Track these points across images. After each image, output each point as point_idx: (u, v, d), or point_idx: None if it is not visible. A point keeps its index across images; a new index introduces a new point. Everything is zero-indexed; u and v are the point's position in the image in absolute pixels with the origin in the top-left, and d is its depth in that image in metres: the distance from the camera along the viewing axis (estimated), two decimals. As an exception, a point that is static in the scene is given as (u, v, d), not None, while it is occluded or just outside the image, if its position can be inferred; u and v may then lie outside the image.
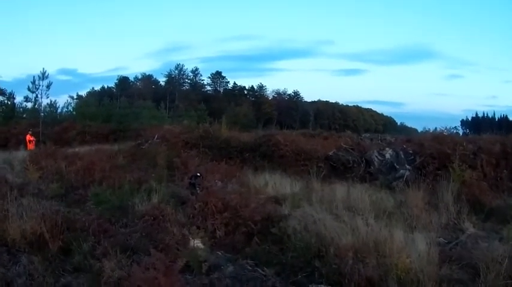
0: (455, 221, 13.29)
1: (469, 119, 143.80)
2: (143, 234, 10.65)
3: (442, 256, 9.08)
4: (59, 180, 17.72)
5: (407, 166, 20.91)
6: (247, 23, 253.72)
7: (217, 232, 10.86)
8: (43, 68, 52.70)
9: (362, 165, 22.05)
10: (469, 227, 12.61)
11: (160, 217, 11.58)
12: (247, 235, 10.88)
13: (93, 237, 10.15)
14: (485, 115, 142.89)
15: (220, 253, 9.85)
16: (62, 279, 8.32)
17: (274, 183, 17.90)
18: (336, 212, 12.53)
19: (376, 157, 22.13)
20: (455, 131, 26.40)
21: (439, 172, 19.23)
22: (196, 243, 9.95)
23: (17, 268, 8.49)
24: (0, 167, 21.20)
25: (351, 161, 22.55)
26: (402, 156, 21.74)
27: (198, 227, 10.86)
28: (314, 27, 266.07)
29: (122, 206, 13.36)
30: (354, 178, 20.70)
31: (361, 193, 14.85)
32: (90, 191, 15.22)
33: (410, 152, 21.96)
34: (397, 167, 21.09)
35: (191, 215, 11.67)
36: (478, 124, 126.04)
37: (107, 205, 13.49)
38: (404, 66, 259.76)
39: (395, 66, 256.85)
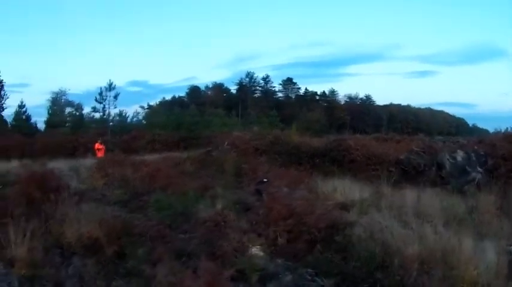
0: (528, 228, 12.53)
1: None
2: (202, 240, 10.49)
3: (512, 267, 8.64)
4: (123, 186, 17.67)
5: (479, 169, 20.31)
6: (317, 30, 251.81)
7: (279, 239, 10.52)
8: (109, 80, 53.65)
9: (433, 168, 21.52)
10: (543, 235, 11.96)
11: (222, 223, 11.38)
12: (310, 242, 10.47)
13: (150, 242, 10.12)
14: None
15: (280, 261, 9.58)
16: (113, 283, 8.33)
17: (343, 188, 17.18)
18: (404, 218, 12.07)
19: (448, 159, 21.58)
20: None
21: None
22: (255, 251, 9.74)
23: (69, 269, 8.52)
24: (65, 174, 20.74)
25: (422, 165, 22.06)
26: (474, 158, 21.15)
27: (259, 234, 10.64)
28: (383, 31, 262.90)
29: (185, 213, 13.21)
30: (425, 182, 20.13)
31: (431, 198, 14.41)
32: (152, 198, 15.12)
33: (482, 153, 21.37)
34: (469, 170, 20.51)
35: (254, 222, 11.42)
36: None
37: (169, 211, 13.33)
38: (474, 66, 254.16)
39: (465, 66, 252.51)
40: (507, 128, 31.30)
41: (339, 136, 39.56)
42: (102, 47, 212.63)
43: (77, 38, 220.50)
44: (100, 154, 35.23)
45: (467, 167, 20.71)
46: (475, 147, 22.78)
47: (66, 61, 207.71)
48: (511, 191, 15.33)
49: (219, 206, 13.23)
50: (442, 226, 10.42)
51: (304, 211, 11.31)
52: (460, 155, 21.54)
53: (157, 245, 9.85)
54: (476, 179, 19.33)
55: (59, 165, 24.97)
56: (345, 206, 14.49)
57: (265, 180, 16.65)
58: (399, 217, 12.51)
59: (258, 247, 9.99)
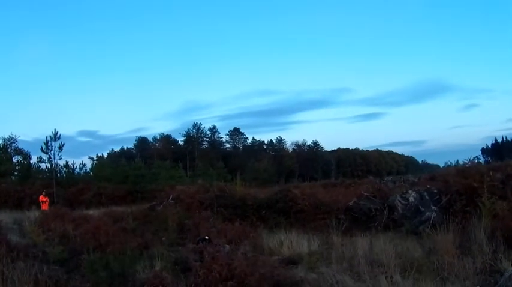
0: (492, 262, 11.91)
1: (489, 146, 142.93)
2: None
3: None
4: (64, 243, 17.32)
5: (433, 207, 19.60)
6: (263, 79, 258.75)
7: (221, 305, 9.53)
8: (54, 129, 52.13)
9: (385, 212, 20.67)
10: (508, 267, 11.18)
11: (160, 287, 10.30)
12: (254, 309, 9.51)
13: None
14: (505, 139, 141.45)
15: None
16: None
17: (291, 242, 16.48)
18: (357, 270, 11.34)
19: (399, 201, 20.82)
20: (476, 161, 25.00)
21: (468, 208, 17.91)
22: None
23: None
24: (9, 227, 21.03)
25: (373, 209, 21.22)
26: (427, 197, 20.47)
27: None
28: (329, 76, 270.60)
29: (122, 274, 12.42)
30: (378, 227, 19.55)
31: (384, 245, 13.51)
32: (86, 259, 14.22)
33: (435, 191, 20.69)
34: (422, 209, 19.79)
35: (193, 285, 10.38)
36: (498, 150, 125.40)
37: (106, 273, 12.50)
38: (420, 104, 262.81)
39: (411, 105, 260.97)
40: (457, 161, 31.02)
41: (285, 186, 39.07)
42: (54, 95, 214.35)
43: (29, 84, 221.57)
44: (44, 207, 35.02)
45: (420, 206, 20.01)
46: (428, 185, 22.15)
47: (17, 108, 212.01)
48: (469, 227, 14.63)
49: (157, 267, 12.55)
50: (399, 274, 9.56)
51: (245, 271, 10.26)
52: (412, 196, 20.84)
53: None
54: (431, 219, 18.62)
55: (3, 217, 25.73)
56: (292, 261, 13.85)
57: (206, 237, 15.77)
58: (351, 269, 11.93)
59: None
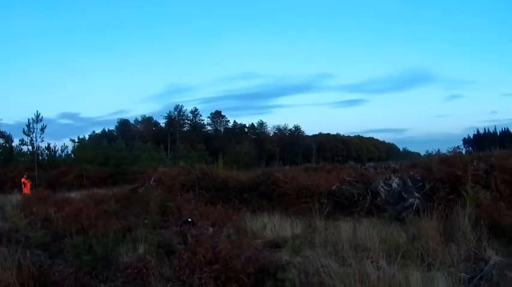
0: (476, 251, 11.82)
1: (471, 137, 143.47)
2: None
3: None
4: (47, 227, 17.37)
5: (416, 194, 19.54)
6: (246, 62, 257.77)
7: (205, 287, 9.40)
8: (37, 111, 51.80)
9: (368, 197, 20.65)
10: (492, 256, 11.05)
11: (144, 271, 10.28)
12: (240, 290, 9.41)
13: None
14: (487, 131, 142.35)
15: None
16: None
17: (274, 225, 16.40)
18: (342, 254, 11.25)
19: (382, 187, 20.74)
20: (458, 151, 24.93)
21: (451, 196, 17.81)
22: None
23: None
24: None
25: (356, 195, 21.18)
26: (410, 183, 20.38)
27: (184, 282, 9.52)
28: (312, 61, 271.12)
29: (105, 257, 12.24)
30: (360, 212, 19.59)
31: (368, 230, 13.43)
32: (69, 242, 14.02)
33: (418, 178, 20.61)
34: (405, 196, 19.72)
35: (177, 268, 10.21)
36: (480, 141, 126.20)
37: (89, 256, 12.29)
38: (403, 92, 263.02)
39: (394, 93, 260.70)
40: (438, 150, 30.99)
41: (267, 169, 38.91)
42: (35, 75, 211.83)
43: (10, 65, 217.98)
44: (26, 190, 35.08)
45: (403, 193, 19.94)
46: (411, 172, 22.07)
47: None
48: (452, 215, 14.56)
49: (140, 250, 12.40)
50: (384, 259, 9.51)
51: (230, 253, 10.11)
52: (395, 182, 20.75)
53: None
54: (415, 205, 18.56)
55: None
56: (276, 245, 13.84)
57: (189, 220, 15.66)
58: (335, 253, 11.81)
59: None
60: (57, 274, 10.28)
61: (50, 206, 20.18)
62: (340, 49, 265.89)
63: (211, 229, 14.90)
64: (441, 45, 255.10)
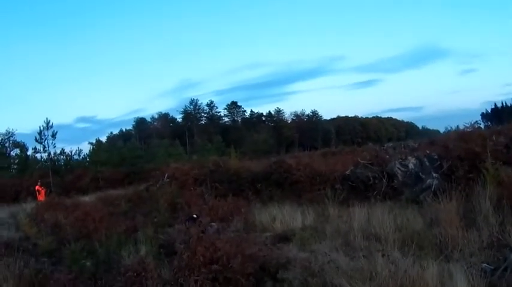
0: (499, 236, 10.77)
1: (489, 111, 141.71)
2: None
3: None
4: (57, 233, 16.91)
5: (434, 174, 18.76)
6: (256, 51, 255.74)
7: (202, 290, 8.72)
8: (46, 118, 51.77)
9: (384, 180, 19.80)
10: (517, 241, 10.24)
11: (143, 274, 9.62)
12: (237, 294, 8.74)
13: None
14: (504, 104, 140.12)
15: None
16: None
17: (284, 216, 15.78)
18: (353, 245, 10.55)
19: (399, 168, 19.92)
20: (477, 126, 24.11)
21: (471, 175, 16.97)
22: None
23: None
24: (4, 222, 21.27)
25: (371, 178, 20.34)
26: (427, 163, 19.53)
27: (181, 286, 8.94)
28: (322, 45, 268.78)
29: (108, 261, 11.94)
30: (377, 196, 18.65)
31: (383, 216, 12.70)
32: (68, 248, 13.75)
33: (435, 157, 19.74)
34: (423, 176, 18.92)
35: (175, 270, 9.58)
36: (498, 115, 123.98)
37: (90, 261, 12.17)
38: (417, 69, 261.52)
39: (408, 71, 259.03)
40: (457, 126, 30.24)
41: (281, 157, 38.38)
42: (49, 83, 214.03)
43: (24, 75, 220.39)
44: (41, 197, 34.59)
45: (420, 173, 19.13)
46: (427, 151, 21.15)
47: (14, 100, 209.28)
48: (473, 196, 13.74)
49: (142, 252, 11.86)
50: (398, 250, 8.77)
51: (230, 251, 9.42)
52: (411, 162, 19.88)
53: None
54: (433, 186, 17.81)
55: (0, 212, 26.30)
56: (284, 237, 13.22)
57: (194, 216, 15.04)
58: (346, 244, 11.24)
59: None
60: (52, 282, 10.04)
61: (60, 212, 19.85)
62: (348, 30, 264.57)
63: (214, 225, 14.50)
64: (450, 17, 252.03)
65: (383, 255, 8.49)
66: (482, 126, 40.28)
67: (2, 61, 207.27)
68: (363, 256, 8.81)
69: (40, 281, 9.94)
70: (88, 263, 11.99)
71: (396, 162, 20.43)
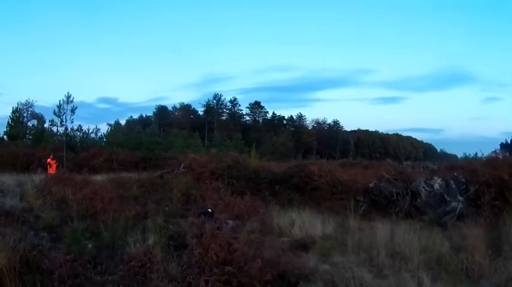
0: (527, 268, 10.43)
1: (508, 141, 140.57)
2: (120, 286, 8.86)
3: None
4: (63, 208, 16.60)
5: (460, 197, 18.30)
6: (285, 54, 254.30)
7: (212, 294, 8.10)
8: (67, 92, 51.23)
9: (407, 198, 19.31)
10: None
11: (148, 265, 9.18)
12: (253, 303, 8.13)
13: (56, 283, 8.62)
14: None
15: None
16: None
17: (303, 222, 15.09)
18: (377, 262, 9.95)
19: (424, 187, 19.41)
20: (499, 155, 23.69)
21: (497, 203, 16.53)
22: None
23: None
24: (10, 190, 20.39)
25: (395, 194, 19.88)
26: (453, 185, 19.05)
27: (189, 284, 8.34)
28: (351, 56, 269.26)
29: (112, 246, 11.49)
30: (399, 213, 18.30)
31: (408, 235, 12.12)
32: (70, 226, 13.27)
33: (463, 180, 19.26)
34: (448, 199, 18.45)
35: (185, 266, 8.98)
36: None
37: (92, 243, 11.81)
38: (442, 91, 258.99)
39: (433, 92, 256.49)
40: (476, 154, 29.78)
41: (303, 161, 37.83)
42: (75, 60, 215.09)
43: (52, 50, 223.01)
44: (51, 170, 34.38)
45: (445, 195, 18.63)
46: (455, 173, 20.56)
47: (38, 71, 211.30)
48: (500, 224, 13.19)
49: (150, 241, 11.22)
50: (424, 272, 8.18)
51: (248, 254, 8.80)
52: (437, 183, 19.37)
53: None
54: (457, 209, 17.36)
55: (7, 179, 25.87)
56: (303, 245, 12.61)
57: (209, 210, 14.48)
58: (369, 260, 10.65)
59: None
60: (46, 261, 9.35)
61: (69, 188, 19.29)
62: (379, 44, 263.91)
63: (231, 223, 14.03)
64: (480, 44, 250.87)
65: (412, 276, 7.92)
66: (500, 156, 39.87)
67: (33, 32, 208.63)
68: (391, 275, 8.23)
69: (34, 257, 9.29)
70: (90, 245, 11.58)
71: (422, 181, 19.97)
